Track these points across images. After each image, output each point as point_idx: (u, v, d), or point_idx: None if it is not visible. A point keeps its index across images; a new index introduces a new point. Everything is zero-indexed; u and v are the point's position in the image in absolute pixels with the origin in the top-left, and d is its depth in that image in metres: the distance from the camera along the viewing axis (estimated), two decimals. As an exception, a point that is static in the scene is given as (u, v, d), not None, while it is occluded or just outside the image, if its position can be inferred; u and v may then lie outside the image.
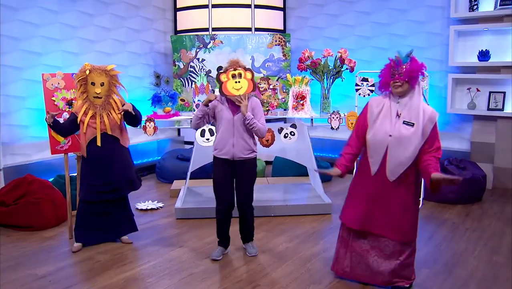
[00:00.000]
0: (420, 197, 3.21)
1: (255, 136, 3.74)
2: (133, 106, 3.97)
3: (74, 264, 3.77)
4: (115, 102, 3.93)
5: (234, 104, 3.64)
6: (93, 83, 3.81)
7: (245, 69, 3.63)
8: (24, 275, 3.56)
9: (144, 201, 5.45)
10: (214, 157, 3.75)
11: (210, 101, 3.65)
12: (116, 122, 3.93)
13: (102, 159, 3.91)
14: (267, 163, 6.97)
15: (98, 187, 3.93)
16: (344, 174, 3.24)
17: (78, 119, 3.88)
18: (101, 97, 3.86)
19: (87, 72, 3.80)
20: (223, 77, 3.61)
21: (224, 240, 3.94)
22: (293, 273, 3.57)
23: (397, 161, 3.02)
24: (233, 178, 3.74)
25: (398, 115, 3.05)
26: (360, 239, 3.28)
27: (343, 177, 3.29)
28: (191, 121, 3.91)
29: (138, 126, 4.28)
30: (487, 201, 5.49)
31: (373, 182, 3.14)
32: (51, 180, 5.23)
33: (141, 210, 5.21)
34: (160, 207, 5.30)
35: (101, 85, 3.83)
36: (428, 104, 3.31)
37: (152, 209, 5.23)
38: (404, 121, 3.02)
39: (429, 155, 3.00)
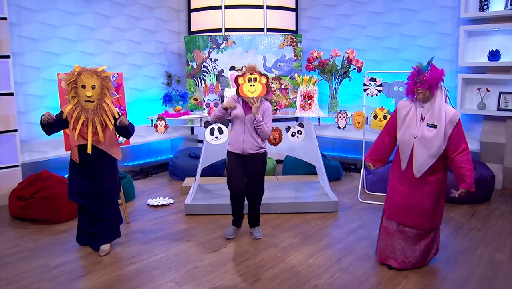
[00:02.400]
0: (447, 193, 3.56)
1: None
2: (127, 121, 3.87)
3: (86, 256, 3.93)
4: (109, 106, 3.76)
5: (247, 105, 4.09)
6: (83, 86, 3.60)
7: (261, 74, 4.08)
8: (37, 265, 3.74)
9: (156, 197, 5.61)
10: (228, 151, 4.20)
11: (230, 108, 4.05)
12: (109, 130, 3.79)
13: (92, 167, 3.81)
14: (278, 162, 7.08)
15: (85, 193, 3.86)
16: (374, 164, 3.74)
17: (70, 126, 3.70)
18: (93, 101, 3.65)
19: (77, 74, 3.63)
20: (240, 80, 4.06)
21: (237, 219, 4.39)
22: (294, 267, 3.67)
23: (421, 159, 3.37)
24: (243, 170, 4.16)
25: (422, 119, 3.40)
26: (391, 221, 3.65)
27: (376, 167, 3.76)
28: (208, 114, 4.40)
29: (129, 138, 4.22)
30: (495, 201, 5.48)
31: (404, 176, 3.53)
32: (66, 176, 5.41)
33: (152, 206, 5.37)
34: (171, 203, 5.45)
35: (92, 88, 3.62)
36: (452, 106, 3.52)
37: (163, 205, 5.39)
38: (427, 124, 3.36)
39: (459, 157, 3.32)
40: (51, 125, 3.71)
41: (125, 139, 4.93)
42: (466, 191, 3.31)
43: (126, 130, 3.91)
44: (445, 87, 3.47)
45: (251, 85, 4.00)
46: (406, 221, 3.54)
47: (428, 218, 3.50)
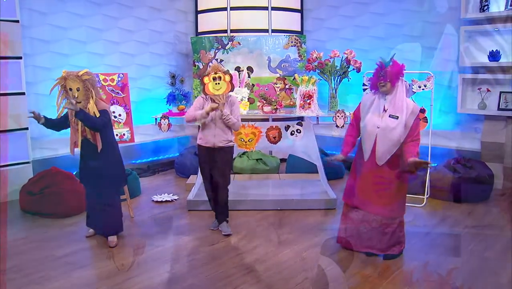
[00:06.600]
0: (407, 181, 3.78)
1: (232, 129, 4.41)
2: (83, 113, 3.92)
3: (89, 248, 4.13)
4: (92, 106, 3.98)
5: (215, 102, 4.26)
6: (70, 89, 3.92)
7: (224, 73, 4.29)
8: (44, 255, 3.95)
9: (160, 193, 5.79)
10: (198, 145, 4.45)
11: (213, 109, 4.18)
12: None
13: (90, 157, 4.11)
14: (282, 160, 7.22)
15: (88, 178, 4.20)
16: (345, 155, 3.95)
17: (72, 128, 4.08)
18: (80, 102, 3.93)
19: (63, 79, 3.93)
20: (206, 80, 4.27)
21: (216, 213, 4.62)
22: (287, 261, 3.81)
23: (384, 148, 3.60)
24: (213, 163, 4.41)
25: (384, 110, 3.64)
26: (354, 212, 3.86)
27: (345, 161, 4.04)
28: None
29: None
30: (494, 200, 5.53)
31: (366, 166, 3.74)
32: (75, 172, 5.62)
33: (157, 201, 5.55)
34: (175, 199, 5.63)
35: (77, 90, 3.90)
36: (412, 100, 3.82)
37: (167, 201, 5.56)
38: (390, 115, 3.60)
39: (412, 143, 3.55)
40: (52, 122, 4.17)
41: (130, 137, 5.14)
42: (415, 161, 3.43)
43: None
44: (405, 81, 3.71)
45: (216, 84, 4.23)
46: (366, 207, 3.75)
47: (388, 206, 3.69)
